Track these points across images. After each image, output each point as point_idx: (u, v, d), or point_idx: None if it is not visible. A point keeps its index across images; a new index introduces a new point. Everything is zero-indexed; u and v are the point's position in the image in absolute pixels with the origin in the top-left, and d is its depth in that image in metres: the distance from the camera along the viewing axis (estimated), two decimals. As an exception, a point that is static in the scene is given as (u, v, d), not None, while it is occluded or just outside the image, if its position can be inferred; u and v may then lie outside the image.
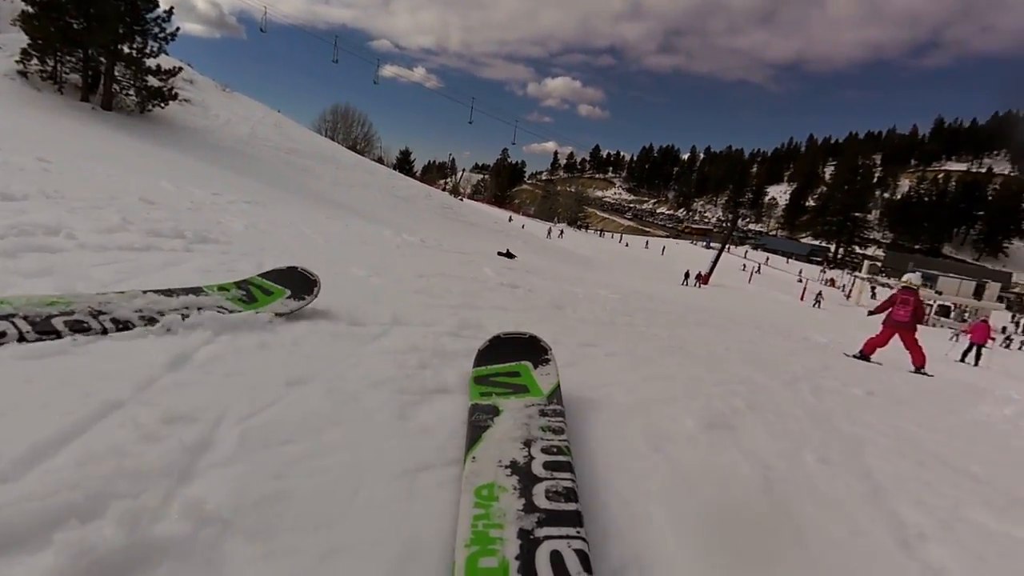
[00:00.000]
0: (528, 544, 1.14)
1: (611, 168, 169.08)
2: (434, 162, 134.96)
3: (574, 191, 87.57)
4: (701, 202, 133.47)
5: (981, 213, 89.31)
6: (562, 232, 54.87)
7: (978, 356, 14.78)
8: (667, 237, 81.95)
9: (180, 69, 20.43)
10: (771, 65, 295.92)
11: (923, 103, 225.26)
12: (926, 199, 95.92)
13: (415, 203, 24.25)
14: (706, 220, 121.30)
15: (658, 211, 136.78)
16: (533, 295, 5.34)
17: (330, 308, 2.56)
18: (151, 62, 18.66)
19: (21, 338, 1.67)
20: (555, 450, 1.53)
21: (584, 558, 1.12)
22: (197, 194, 6.88)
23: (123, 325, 1.92)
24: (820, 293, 33.97)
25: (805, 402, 3.15)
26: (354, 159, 28.96)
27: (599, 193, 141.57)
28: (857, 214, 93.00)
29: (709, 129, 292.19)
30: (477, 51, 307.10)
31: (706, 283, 32.11)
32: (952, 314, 33.41)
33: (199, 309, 2.18)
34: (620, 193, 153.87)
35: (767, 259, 58.97)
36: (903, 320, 6.78)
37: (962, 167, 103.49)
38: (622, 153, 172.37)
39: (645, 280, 25.47)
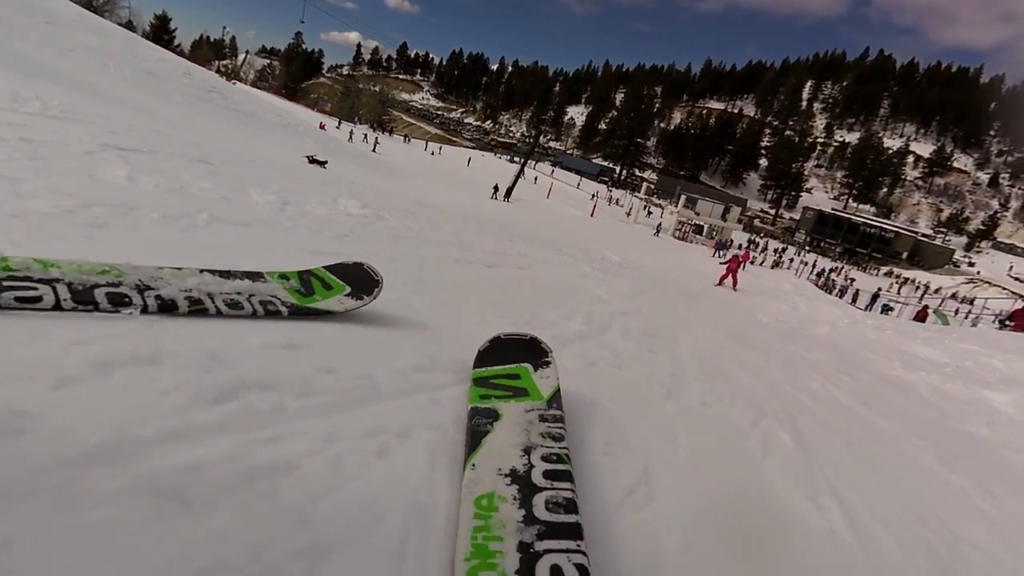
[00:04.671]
0: (528, 558, 1.12)
1: (420, 71, 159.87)
2: (206, 37, 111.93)
3: (379, 91, 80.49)
4: (507, 116, 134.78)
5: (730, 148, 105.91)
6: (366, 136, 50.33)
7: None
8: (474, 148, 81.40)
9: None
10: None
11: (698, 44, 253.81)
12: (692, 132, 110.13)
13: (167, 81, 19.17)
14: (511, 134, 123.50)
15: (466, 121, 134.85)
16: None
17: None
18: None
19: (57, 305, 1.60)
20: (555, 458, 1.51)
21: (584, 573, 1.11)
22: None
23: (168, 304, 1.85)
24: (660, 225, 36.41)
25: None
26: (75, 14, 21.63)
27: (406, 96, 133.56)
28: (639, 140, 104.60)
29: (518, 42, 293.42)
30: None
31: (508, 197, 32.42)
32: (704, 231, 39.62)
33: (251, 296, 2.12)
34: (428, 99, 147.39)
35: (552, 171, 63.31)
36: (734, 269, 13.95)
37: (721, 106, 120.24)
38: (431, 55, 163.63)
39: (450, 192, 24.49)
